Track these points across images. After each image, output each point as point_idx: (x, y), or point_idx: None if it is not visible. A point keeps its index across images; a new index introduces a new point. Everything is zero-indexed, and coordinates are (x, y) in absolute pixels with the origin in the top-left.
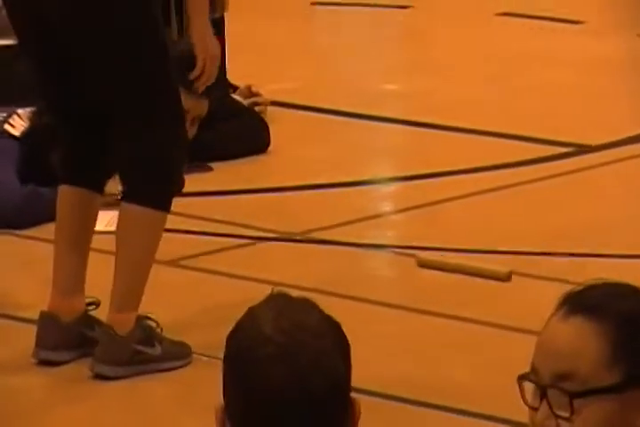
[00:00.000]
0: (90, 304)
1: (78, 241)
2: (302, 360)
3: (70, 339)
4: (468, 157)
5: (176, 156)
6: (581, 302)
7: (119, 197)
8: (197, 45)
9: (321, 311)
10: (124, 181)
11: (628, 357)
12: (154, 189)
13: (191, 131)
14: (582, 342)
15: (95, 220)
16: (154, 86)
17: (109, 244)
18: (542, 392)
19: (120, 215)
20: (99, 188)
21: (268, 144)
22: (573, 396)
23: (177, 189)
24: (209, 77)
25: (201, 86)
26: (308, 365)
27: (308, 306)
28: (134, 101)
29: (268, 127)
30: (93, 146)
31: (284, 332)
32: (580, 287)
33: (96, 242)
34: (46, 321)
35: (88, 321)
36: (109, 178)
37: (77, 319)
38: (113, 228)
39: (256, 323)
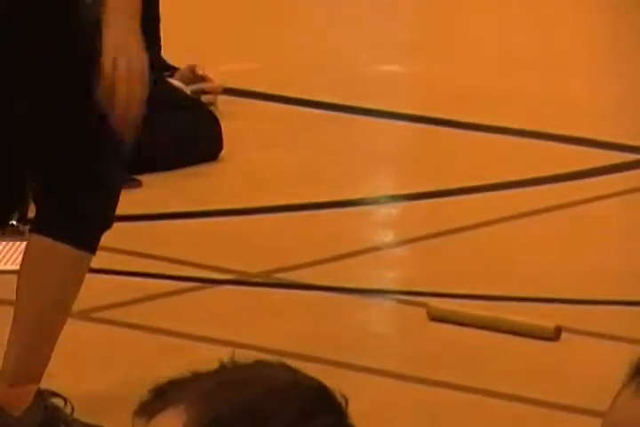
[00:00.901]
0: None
1: None
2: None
3: None
4: (496, 166)
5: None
6: None
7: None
8: (106, 58)
9: (297, 371)
10: (40, 203)
11: None
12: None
13: None
14: None
15: None
16: None
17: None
18: None
19: (28, 251)
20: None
21: (219, 148)
22: None
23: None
24: (124, 112)
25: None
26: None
27: (283, 367)
28: None
29: (219, 124)
30: None
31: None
32: None
33: None
34: None
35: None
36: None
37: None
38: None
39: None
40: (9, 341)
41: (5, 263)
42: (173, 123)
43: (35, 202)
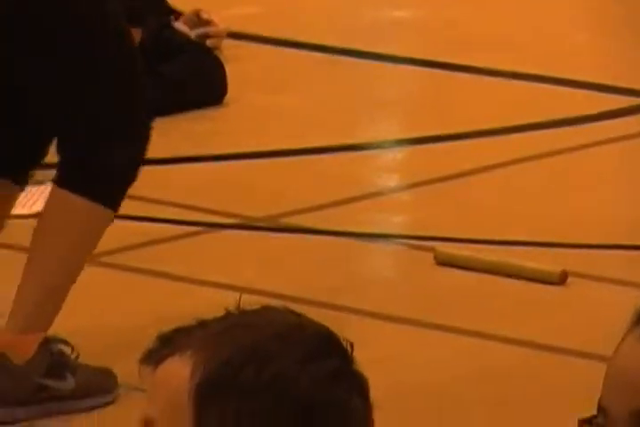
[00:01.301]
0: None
1: None
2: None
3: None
4: (504, 110)
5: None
6: None
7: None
8: None
9: (302, 316)
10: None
11: None
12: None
13: None
14: None
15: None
16: None
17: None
18: None
19: (48, 201)
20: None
21: (224, 92)
22: None
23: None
24: None
25: None
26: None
27: (285, 311)
28: None
29: (223, 68)
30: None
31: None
32: None
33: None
34: None
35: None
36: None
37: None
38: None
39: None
40: (19, 288)
41: (22, 208)
42: (177, 66)
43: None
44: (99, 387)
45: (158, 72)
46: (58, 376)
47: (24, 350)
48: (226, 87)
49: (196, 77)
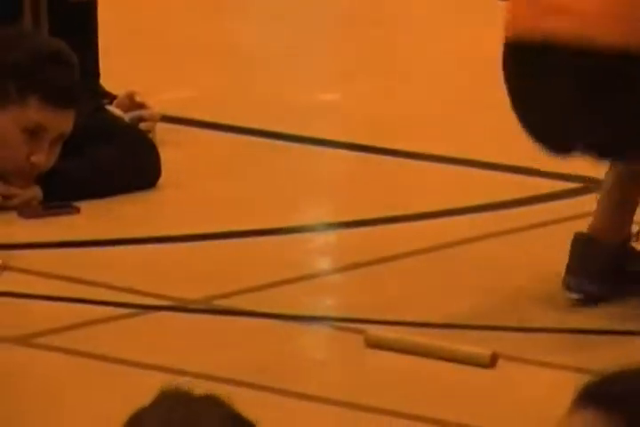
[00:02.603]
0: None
1: None
2: None
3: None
4: (435, 194)
5: None
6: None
7: None
8: None
9: (229, 411)
10: None
11: None
12: None
13: (51, 156)
14: None
15: None
16: None
17: None
18: None
19: None
20: None
21: (157, 175)
22: None
23: None
24: None
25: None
26: None
27: (211, 405)
28: None
29: (157, 152)
30: None
31: None
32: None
33: None
34: (581, 245)
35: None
36: None
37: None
38: None
39: None
40: None
41: None
42: (111, 151)
43: None
44: None
45: (90, 155)
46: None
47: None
48: (159, 171)
49: (129, 161)
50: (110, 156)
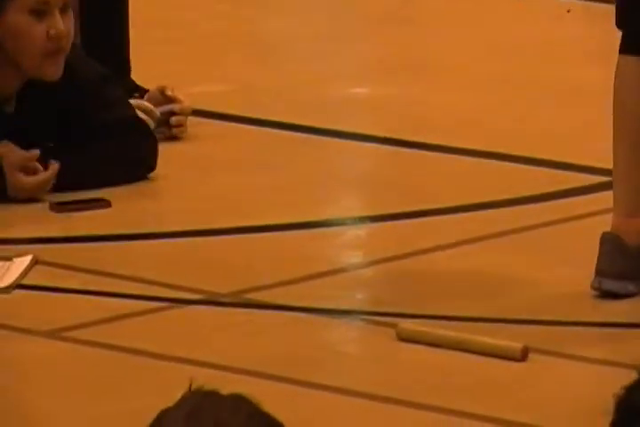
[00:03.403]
0: None
1: None
2: None
3: (636, 267)
4: (466, 188)
5: None
6: None
7: None
8: None
9: (255, 409)
10: None
11: None
12: None
13: (68, 23)
14: None
15: None
16: None
17: None
18: None
19: None
20: None
21: (150, 168)
22: None
23: None
24: None
25: None
26: None
27: (237, 403)
28: None
29: (154, 144)
30: None
31: None
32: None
33: None
34: (609, 246)
35: None
36: None
37: None
38: None
39: None
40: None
41: None
42: (106, 143)
43: None
44: None
45: (87, 148)
46: None
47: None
48: (154, 162)
49: (123, 152)
50: (106, 148)
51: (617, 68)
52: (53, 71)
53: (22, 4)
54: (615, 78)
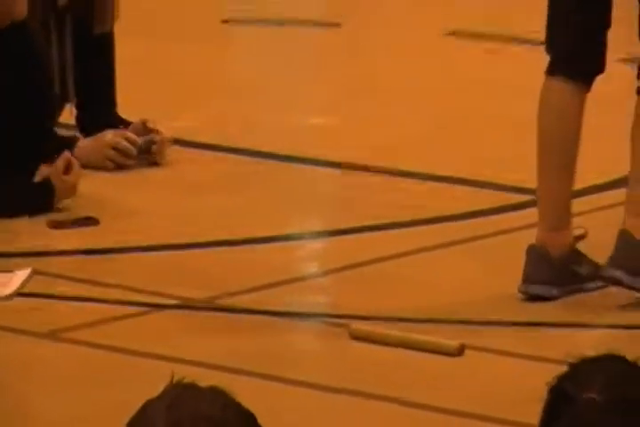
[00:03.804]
0: (578, 237)
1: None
2: None
3: (560, 275)
4: (410, 206)
5: None
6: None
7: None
8: None
9: (229, 400)
10: None
11: None
12: None
13: None
14: None
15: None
16: None
17: None
18: None
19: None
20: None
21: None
22: None
23: None
24: None
25: None
26: None
27: (213, 395)
28: None
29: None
30: None
31: (178, 425)
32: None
33: None
34: (534, 255)
35: (577, 257)
36: None
37: (567, 254)
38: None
39: (146, 419)
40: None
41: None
42: None
43: None
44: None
45: None
46: (580, 262)
47: (561, 243)
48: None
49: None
50: None
51: (542, 88)
52: (19, 9)
53: None
54: (540, 99)
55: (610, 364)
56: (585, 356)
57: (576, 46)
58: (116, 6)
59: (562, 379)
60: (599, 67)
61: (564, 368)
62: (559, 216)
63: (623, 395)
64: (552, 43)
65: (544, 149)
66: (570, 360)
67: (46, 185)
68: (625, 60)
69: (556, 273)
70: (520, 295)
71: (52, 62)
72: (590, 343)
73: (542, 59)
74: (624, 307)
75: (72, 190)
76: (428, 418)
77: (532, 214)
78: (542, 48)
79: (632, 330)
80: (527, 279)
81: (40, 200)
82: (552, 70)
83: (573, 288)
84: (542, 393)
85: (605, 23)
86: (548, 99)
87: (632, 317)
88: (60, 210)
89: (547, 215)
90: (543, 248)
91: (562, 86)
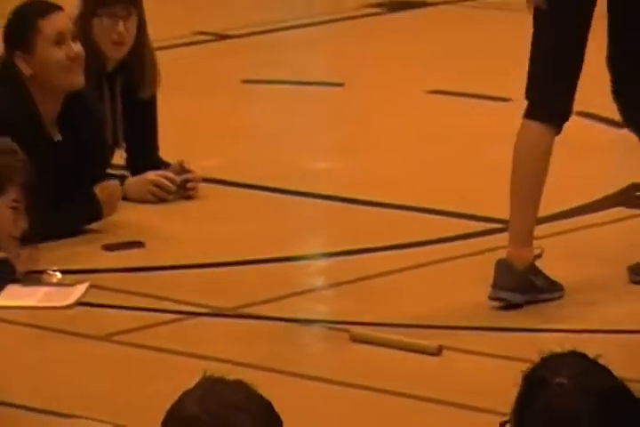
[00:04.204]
0: (537, 256)
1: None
2: None
3: (522, 284)
4: (398, 232)
5: None
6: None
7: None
8: None
9: (251, 391)
10: None
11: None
12: None
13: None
14: None
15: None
16: None
17: None
18: None
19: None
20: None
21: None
22: None
23: None
24: None
25: None
26: None
27: (238, 387)
28: None
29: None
30: None
31: (209, 411)
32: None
33: None
34: (502, 267)
35: (535, 271)
36: None
37: (527, 268)
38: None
39: (183, 406)
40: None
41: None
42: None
43: None
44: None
45: None
46: (537, 275)
47: (525, 258)
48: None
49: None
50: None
51: (519, 129)
52: (79, 79)
53: (46, 38)
54: (517, 139)
55: (574, 357)
56: (553, 351)
57: (550, 94)
58: (158, 74)
59: (535, 368)
60: (569, 113)
61: (527, 365)
62: (525, 236)
63: (588, 381)
64: (530, 89)
65: (516, 182)
66: (541, 355)
67: (96, 200)
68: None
69: (519, 282)
70: (489, 304)
71: (105, 117)
72: (549, 345)
73: (508, 113)
74: (573, 315)
75: (113, 207)
76: (412, 405)
77: (495, 240)
78: (508, 104)
79: (582, 333)
80: (496, 286)
81: (91, 211)
82: (528, 114)
83: (532, 297)
84: (508, 385)
85: (577, 75)
86: (523, 139)
87: (581, 322)
88: (112, 235)
89: (515, 235)
90: (509, 261)
91: (536, 129)
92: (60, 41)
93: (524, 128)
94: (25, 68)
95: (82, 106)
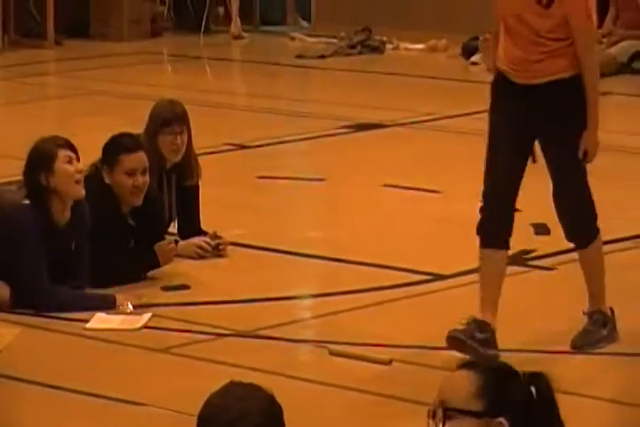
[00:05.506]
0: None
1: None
2: (231, 413)
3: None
4: (361, 280)
5: None
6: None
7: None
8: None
9: (258, 387)
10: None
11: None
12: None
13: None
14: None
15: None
16: None
17: None
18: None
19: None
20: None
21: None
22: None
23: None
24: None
25: None
26: (235, 418)
27: (255, 388)
28: None
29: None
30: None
31: (226, 401)
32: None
33: None
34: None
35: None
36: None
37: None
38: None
39: (210, 398)
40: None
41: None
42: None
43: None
44: None
45: None
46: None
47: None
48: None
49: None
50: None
51: (479, 257)
52: (138, 201)
53: (122, 169)
54: (479, 263)
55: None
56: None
57: (493, 226)
58: (200, 170)
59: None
60: (509, 233)
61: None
62: (490, 306)
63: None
64: (478, 227)
65: (484, 284)
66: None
67: (155, 255)
68: None
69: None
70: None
71: (163, 202)
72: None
73: (438, 202)
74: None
75: (169, 260)
76: (371, 399)
77: (428, 288)
78: (448, 193)
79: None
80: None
81: (151, 262)
82: (481, 245)
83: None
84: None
85: (516, 195)
86: (483, 263)
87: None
88: (167, 280)
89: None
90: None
91: (490, 254)
92: (131, 173)
93: (481, 256)
94: (106, 177)
95: (149, 201)
